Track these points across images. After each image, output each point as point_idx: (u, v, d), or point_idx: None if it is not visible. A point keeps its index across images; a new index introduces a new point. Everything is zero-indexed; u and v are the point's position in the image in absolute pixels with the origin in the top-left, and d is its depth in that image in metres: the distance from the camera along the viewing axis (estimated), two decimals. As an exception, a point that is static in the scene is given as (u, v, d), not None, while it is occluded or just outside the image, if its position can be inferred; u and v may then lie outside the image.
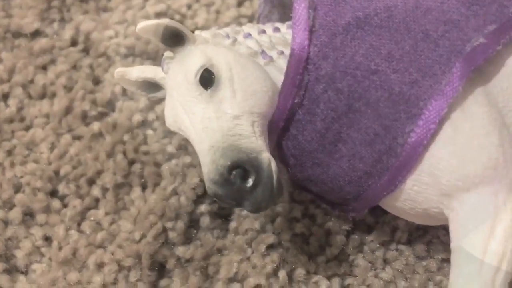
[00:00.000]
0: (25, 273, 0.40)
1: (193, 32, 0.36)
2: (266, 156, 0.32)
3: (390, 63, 0.32)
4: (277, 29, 0.37)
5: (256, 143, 0.32)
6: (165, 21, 0.33)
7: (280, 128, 0.35)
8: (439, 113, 0.32)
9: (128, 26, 0.50)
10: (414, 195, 0.33)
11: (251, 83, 0.33)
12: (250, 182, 0.31)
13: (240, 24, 0.51)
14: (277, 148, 0.36)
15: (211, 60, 0.33)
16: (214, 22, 0.50)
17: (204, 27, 0.50)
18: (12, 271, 0.40)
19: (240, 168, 0.31)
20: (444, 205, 0.33)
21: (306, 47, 0.33)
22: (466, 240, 0.31)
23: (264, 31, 0.37)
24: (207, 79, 0.33)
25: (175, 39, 0.34)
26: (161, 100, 0.39)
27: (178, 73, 0.34)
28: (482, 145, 0.32)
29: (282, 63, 0.35)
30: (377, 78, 0.32)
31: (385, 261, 0.40)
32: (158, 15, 0.51)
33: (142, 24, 0.33)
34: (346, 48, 0.33)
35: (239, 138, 0.32)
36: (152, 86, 0.37)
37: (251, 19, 0.51)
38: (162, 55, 0.36)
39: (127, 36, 0.49)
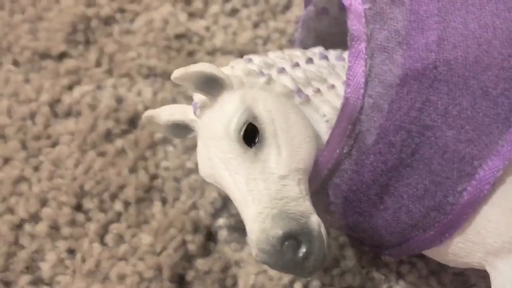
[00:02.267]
0: (50, 284, 0.41)
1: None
2: (315, 221, 0.30)
3: (446, 119, 0.31)
4: (310, 61, 0.36)
5: (304, 205, 0.30)
6: (201, 67, 0.31)
7: (323, 177, 0.33)
8: (494, 174, 0.30)
9: (150, 48, 0.51)
10: (458, 250, 0.33)
11: (295, 136, 0.32)
12: (302, 252, 0.29)
13: (256, 44, 0.52)
14: (316, 193, 0.34)
15: (253, 111, 0.31)
16: (231, 43, 0.52)
17: (221, 48, 0.52)
18: (37, 282, 0.41)
19: (292, 239, 0.29)
20: (487, 262, 0.32)
21: (360, 97, 0.31)
22: None
23: (297, 64, 0.35)
24: (250, 134, 0.31)
25: (210, 83, 0.32)
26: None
27: (216, 122, 0.32)
28: None
29: (318, 102, 0.34)
30: (432, 134, 0.31)
31: (399, 274, 0.41)
32: (178, 37, 0.53)
33: (178, 73, 0.31)
34: (402, 101, 0.31)
35: (287, 201, 0.30)
36: (181, 127, 0.36)
37: (266, 40, 0.52)
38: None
39: (149, 57, 0.51)
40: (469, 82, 0.31)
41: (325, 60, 0.37)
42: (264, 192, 0.30)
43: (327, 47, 0.40)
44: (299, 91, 0.34)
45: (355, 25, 0.32)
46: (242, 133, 0.31)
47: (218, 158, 0.32)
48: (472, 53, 0.31)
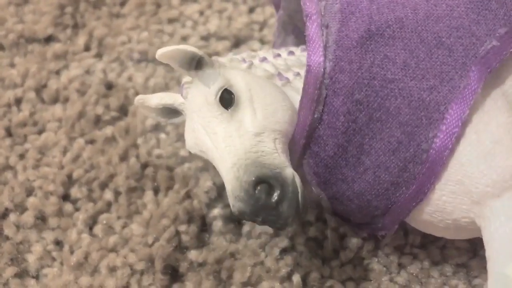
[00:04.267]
0: (36, 277, 0.40)
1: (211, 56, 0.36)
2: (290, 171, 0.32)
3: (406, 71, 0.33)
4: (291, 53, 0.38)
5: (279, 159, 0.32)
6: (184, 46, 0.33)
7: (301, 146, 0.35)
8: (460, 116, 0.32)
9: (141, 32, 0.50)
10: (443, 205, 0.33)
11: (271, 102, 0.34)
12: (275, 197, 0.31)
13: (252, 29, 0.51)
14: (299, 167, 0.35)
15: (230, 81, 0.34)
16: (226, 28, 0.51)
17: (216, 33, 0.51)
18: (23, 275, 0.40)
19: (264, 183, 0.31)
20: (475, 214, 0.32)
21: (321, 63, 0.33)
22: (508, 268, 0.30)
23: (279, 55, 0.38)
24: (227, 99, 0.33)
25: (193, 63, 0.34)
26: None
27: (197, 96, 0.34)
28: (508, 147, 0.32)
29: (299, 83, 0.35)
30: (395, 86, 0.33)
31: (400, 265, 0.40)
32: (171, 21, 0.51)
33: (162, 51, 0.33)
34: (362, 60, 0.33)
35: (261, 154, 0.32)
36: (171, 112, 0.38)
37: (262, 25, 0.51)
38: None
39: (140, 42, 0.50)
40: (423, 35, 0.33)
41: (306, 52, 0.38)
42: (240, 147, 0.32)
43: (300, 26, 0.41)
44: (279, 74, 0.36)
45: (307, 3, 0.34)
46: (218, 96, 0.33)
47: (199, 125, 0.34)
48: (422, 9, 0.34)
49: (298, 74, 0.36)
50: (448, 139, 0.32)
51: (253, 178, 0.31)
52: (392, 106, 0.33)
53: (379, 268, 0.40)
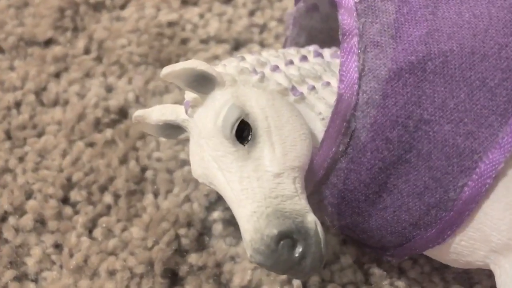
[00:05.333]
0: (36, 280, 0.40)
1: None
2: (312, 219, 0.30)
3: (444, 113, 0.30)
4: (304, 58, 0.35)
5: (300, 204, 0.30)
6: (192, 65, 0.30)
7: (319, 176, 0.32)
8: (495, 167, 0.30)
9: (141, 35, 0.50)
10: (460, 249, 0.32)
11: (289, 133, 0.31)
12: (298, 251, 0.29)
13: (252, 33, 0.51)
14: (313, 195, 0.34)
15: (245, 108, 0.31)
16: (226, 31, 0.51)
17: (216, 37, 0.51)
18: (22, 278, 0.40)
19: (287, 238, 0.29)
20: (491, 261, 0.31)
21: (354, 93, 0.31)
22: None
23: (291, 62, 0.35)
24: (243, 132, 0.30)
25: (201, 81, 0.31)
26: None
27: (207, 120, 0.31)
28: None
29: (313, 99, 0.33)
30: (430, 129, 0.30)
31: (401, 270, 0.40)
32: (170, 24, 0.51)
33: (167, 70, 0.30)
34: (397, 96, 0.30)
35: (281, 200, 0.30)
36: (173, 127, 0.35)
37: (262, 28, 0.51)
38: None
39: (140, 45, 0.50)
40: (466, 73, 0.30)
41: (320, 58, 0.36)
42: (258, 190, 0.30)
43: (319, 44, 0.39)
44: (293, 88, 0.33)
45: (346, 19, 0.31)
46: (234, 130, 0.30)
47: (210, 157, 0.31)
48: (468, 44, 0.30)
49: (313, 88, 0.33)
50: (478, 190, 0.30)
51: (276, 233, 0.28)
52: (424, 150, 0.30)
53: (379, 272, 0.39)
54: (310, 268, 0.29)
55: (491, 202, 0.30)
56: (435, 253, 0.34)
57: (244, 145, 0.30)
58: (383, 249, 0.35)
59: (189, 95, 0.33)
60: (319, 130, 0.33)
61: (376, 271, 0.40)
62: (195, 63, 0.30)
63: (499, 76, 0.30)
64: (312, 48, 0.37)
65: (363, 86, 0.31)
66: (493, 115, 0.30)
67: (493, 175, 0.30)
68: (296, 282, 0.39)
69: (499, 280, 0.31)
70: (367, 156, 0.31)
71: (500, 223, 0.30)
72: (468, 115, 0.30)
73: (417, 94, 0.30)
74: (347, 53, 0.31)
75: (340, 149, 0.32)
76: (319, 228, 0.30)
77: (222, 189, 0.31)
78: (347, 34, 0.31)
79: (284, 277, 0.39)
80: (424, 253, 0.35)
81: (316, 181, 0.33)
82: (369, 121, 0.31)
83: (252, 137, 0.30)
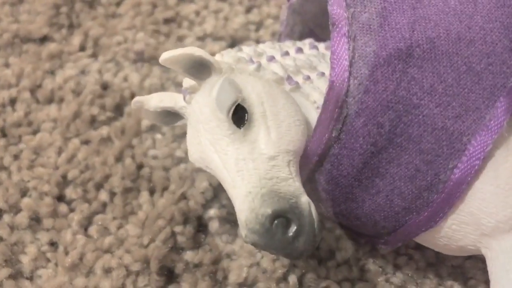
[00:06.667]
0: (31, 278, 0.40)
1: (213, 55, 0.34)
2: (305, 201, 0.30)
3: (432, 97, 0.31)
4: (300, 50, 0.36)
5: (294, 186, 0.30)
6: (190, 50, 0.31)
7: (313, 163, 0.33)
8: (484, 149, 0.30)
9: (137, 32, 0.50)
10: (452, 233, 0.32)
11: (284, 118, 0.32)
12: (292, 231, 0.29)
13: (248, 30, 0.51)
14: (307, 182, 0.34)
15: (242, 94, 0.31)
16: (222, 28, 0.50)
17: (212, 34, 0.50)
18: (17, 276, 0.40)
19: (281, 217, 0.29)
20: (482, 244, 0.32)
21: (346, 80, 0.31)
22: None
23: (287, 53, 0.36)
24: (239, 115, 0.31)
25: (199, 68, 0.32)
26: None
27: (204, 105, 0.32)
28: None
29: (308, 89, 0.34)
30: (420, 113, 0.31)
31: (396, 266, 0.40)
32: (167, 21, 0.51)
33: (166, 55, 0.31)
34: (388, 81, 0.31)
35: (276, 181, 0.30)
36: (171, 114, 0.36)
37: (259, 25, 0.51)
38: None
39: (136, 42, 0.49)
40: (453, 58, 0.31)
41: (315, 50, 0.37)
42: (253, 172, 0.30)
43: (315, 32, 0.40)
44: (289, 78, 0.34)
45: (336, 9, 0.32)
46: (230, 113, 0.31)
47: (207, 141, 0.32)
48: (454, 30, 0.31)
49: (308, 77, 0.34)
50: (468, 171, 0.31)
51: (270, 212, 0.29)
52: (415, 133, 0.31)
53: (375, 268, 0.40)
54: (303, 247, 0.30)
55: (481, 184, 0.31)
56: (427, 238, 0.34)
57: (240, 129, 0.31)
58: (377, 236, 0.36)
59: (187, 82, 0.34)
60: (314, 118, 0.34)
61: (371, 267, 0.40)
62: (193, 49, 0.31)
63: (485, 60, 0.31)
64: (307, 41, 0.38)
65: (353, 73, 0.31)
66: (480, 99, 0.31)
67: (482, 157, 0.31)
68: (292, 279, 0.39)
69: (490, 263, 0.32)
70: (359, 141, 0.32)
71: (490, 206, 0.31)
72: (456, 99, 0.31)
73: (406, 79, 0.31)
74: (337, 41, 0.32)
75: (333, 135, 0.32)
76: (313, 210, 0.30)
77: (218, 172, 0.32)
78: (336, 23, 0.32)
79: (280, 274, 0.39)
80: (417, 240, 0.35)
81: (310, 168, 0.33)
82: (360, 106, 0.31)
83: (248, 121, 0.31)
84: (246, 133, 0.31)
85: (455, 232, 0.32)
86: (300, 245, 0.30)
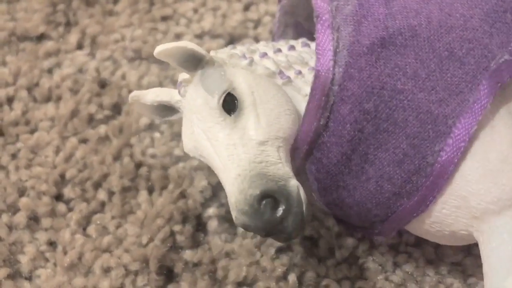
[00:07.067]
0: (29, 278, 0.40)
1: (208, 51, 0.35)
2: (294, 184, 0.31)
3: (416, 82, 0.32)
4: (292, 47, 0.37)
5: (283, 170, 0.31)
6: (183, 43, 0.32)
7: (304, 152, 0.34)
8: (468, 131, 0.31)
9: (135, 30, 0.50)
10: (443, 217, 0.33)
11: (274, 107, 0.33)
12: (280, 212, 0.30)
13: (246, 28, 0.51)
14: (299, 172, 0.35)
15: (233, 84, 0.32)
16: (220, 26, 0.50)
17: (210, 31, 0.50)
18: (16, 276, 0.40)
19: (269, 197, 0.30)
20: (474, 228, 0.32)
21: (331, 68, 0.32)
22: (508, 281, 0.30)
23: (279, 50, 0.37)
24: (230, 104, 0.32)
25: (192, 61, 0.33)
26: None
27: (197, 96, 0.33)
28: None
29: (300, 83, 0.35)
30: (404, 98, 0.32)
31: (395, 264, 0.40)
32: (164, 18, 0.51)
33: (160, 48, 0.32)
34: (372, 68, 0.32)
35: (265, 165, 0.31)
36: (167, 109, 0.37)
37: (257, 23, 0.51)
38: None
39: (133, 40, 0.49)
40: (435, 45, 0.32)
41: (307, 47, 0.38)
42: (243, 156, 0.31)
43: (311, 31, 0.40)
44: (280, 72, 0.35)
45: (319, 3, 0.34)
46: (221, 101, 0.32)
47: (200, 129, 0.33)
48: (435, 17, 0.33)
49: (299, 72, 0.35)
50: (454, 153, 0.31)
51: (259, 192, 0.30)
52: (400, 118, 0.32)
53: (374, 267, 0.40)
54: (292, 228, 0.30)
55: (468, 166, 0.32)
56: (420, 225, 0.34)
57: (231, 116, 0.32)
58: (371, 227, 0.36)
59: (182, 77, 0.35)
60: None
61: (371, 265, 0.40)
62: (186, 43, 0.32)
63: (466, 46, 0.32)
64: (300, 40, 0.39)
65: (338, 62, 0.32)
66: (463, 83, 0.32)
67: (467, 139, 0.31)
68: (292, 278, 0.39)
69: (482, 246, 0.32)
70: (346, 128, 0.33)
71: (479, 187, 0.31)
72: (439, 83, 0.32)
73: (389, 66, 0.32)
74: (322, 33, 0.33)
75: (321, 123, 0.33)
76: (301, 192, 0.31)
77: (210, 159, 0.33)
78: (320, 16, 0.33)
79: (279, 272, 0.39)
80: (410, 230, 0.36)
81: (301, 157, 0.34)
82: (346, 93, 0.32)
83: (238, 108, 0.32)
84: (237, 120, 0.32)
85: (447, 216, 0.33)
86: (288, 226, 0.30)
